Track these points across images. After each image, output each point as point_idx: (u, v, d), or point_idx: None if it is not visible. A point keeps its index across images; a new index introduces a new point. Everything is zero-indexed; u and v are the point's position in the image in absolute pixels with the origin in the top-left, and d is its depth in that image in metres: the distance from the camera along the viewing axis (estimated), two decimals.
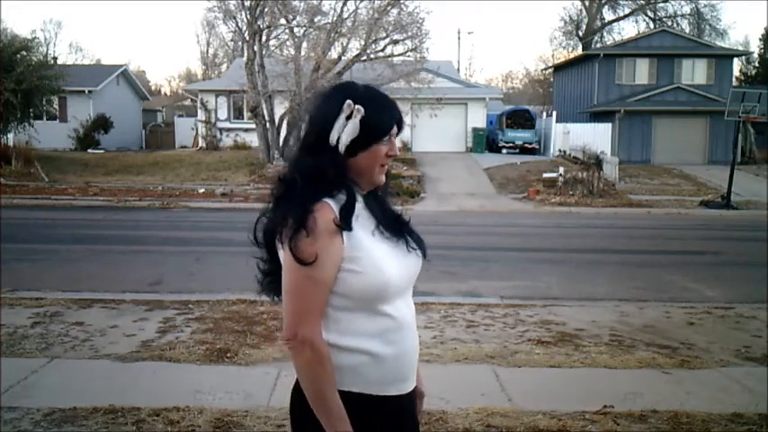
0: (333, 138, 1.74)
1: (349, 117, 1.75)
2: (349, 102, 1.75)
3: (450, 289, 7.89)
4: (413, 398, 1.89)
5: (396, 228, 1.84)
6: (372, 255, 1.74)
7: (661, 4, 46.24)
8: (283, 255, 1.72)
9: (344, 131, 1.75)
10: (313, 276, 1.68)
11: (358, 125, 1.75)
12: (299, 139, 1.85)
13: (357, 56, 24.73)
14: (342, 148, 1.75)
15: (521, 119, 30.99)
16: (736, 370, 5.03)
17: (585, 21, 47.65)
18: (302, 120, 26.78)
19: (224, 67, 52.14)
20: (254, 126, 25.79)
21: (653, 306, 7.17)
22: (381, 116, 1.81)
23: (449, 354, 5.21)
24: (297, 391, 1.83)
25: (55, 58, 35.01)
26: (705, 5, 44.55)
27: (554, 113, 30.55)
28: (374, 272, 1.73)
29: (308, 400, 1.75)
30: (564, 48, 49.22)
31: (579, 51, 41.99)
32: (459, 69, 44.85)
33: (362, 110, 1.75)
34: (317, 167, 1.74)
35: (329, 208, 1.70)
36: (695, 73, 30.99)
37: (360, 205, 1.77)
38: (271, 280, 1.90)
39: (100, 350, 5.21)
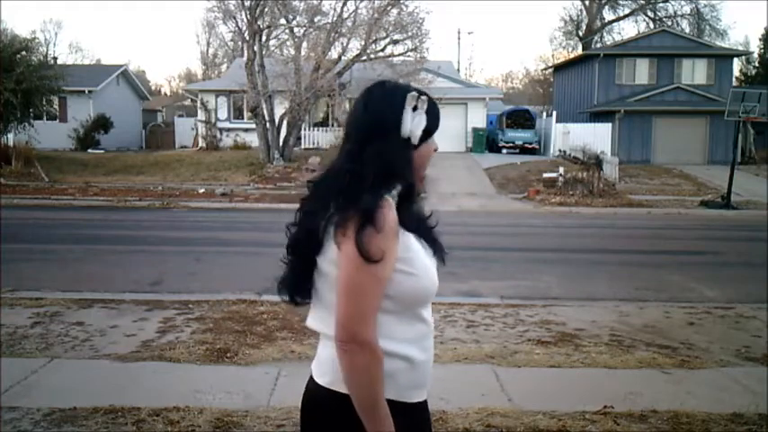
0: (405, 129, 1.68)
1: (415, 109, 1.70)
2: (413, 93, 1.70)
3: (450, 289, 7.87)
4: (427, 404, 1.84)
5: (425, 230, 1.80)
6: (420, 257, 1.69)
7: (661, 4, 46.26)
8: (340, 252, 1.61)
9: (414, 123, 1.70)
10: (377, 275, 1.60)
11: (425, 116, 1.71)
12: (351, 132, 1.73)
13: (357, 56, 24.74)
14: (415, 140, 1.70)
15: (521, 119, 31.00)
16: (736, 370, 5.03)
17: (585, 21, 47.66)
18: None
19: (224, 67, 52.18)
20: (254, 126, 25.80)
21: (653, 306, 7.17)
22: (434, 109, 1.76)
23: (449, 354, 5.21)
24: (329, 397, 1.71)
25: (55, 58, 35.05)
26: (705, 5, 44.60)
27: (554, 113, 30.54)
28: (425, 274, 1.69)
29: (354, 404, 1.64)
30: (564, 48, 49.31)
31: (579, 51, 42.00)
32: (459, 69, 44.89)
33: (426, 101, 1.71)
34: (390, 160, 1.65)
35: (392, 204, 1.65)
36: (695, 73, 30.98)
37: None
38: (303, 279, 1.77)
39: (100, 350, 5.21)
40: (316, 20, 24.55)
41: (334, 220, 1.63)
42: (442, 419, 3.94)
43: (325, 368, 1.72)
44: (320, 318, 1.75)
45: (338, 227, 1.61)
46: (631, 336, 5.94)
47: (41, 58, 26.85)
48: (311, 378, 1.78)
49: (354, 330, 1.60)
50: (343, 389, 1.67)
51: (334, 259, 1.65)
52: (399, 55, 25.52)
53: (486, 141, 30.58)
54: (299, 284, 1.78)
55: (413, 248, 1.68)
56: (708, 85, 30.57)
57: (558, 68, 38.37)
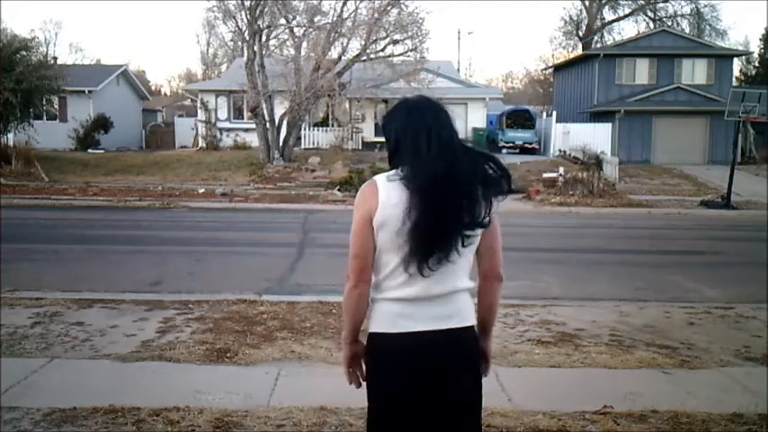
0: None
1: None
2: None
3: None
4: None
5: None
6: None
7: (661, 4, 46.28)
8: (496, 220, 2.20)
9: None
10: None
11: None
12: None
13: (357, 56, 24.74)
14: None
15: (521, 119, 31.00)
16: (736, 370, 5.03)
17: (585, 21, 47.66)
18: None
19: (224, 67, 52.18)
20: (254, 126, 25.80)
21: (653, 306, 7.17)
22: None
23: None
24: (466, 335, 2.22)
25: (55, 58, 34.97)
26: (705, 5, 44.62)
27: (554, 113, 30.54)
28: None
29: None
30: (564, 48, 49.28)
31: (579, 51, 41.99)
32: (459, 69, 44.85)
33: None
34: None
35: None
36: (695, 73, 30.98)
37: None
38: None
39: (100, 350, 5.21)
40: (316, 20, 24.55)
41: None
42: None
43: None
44: None
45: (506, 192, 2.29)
46: (631, 336, 5.94)
47: (41, 57, 26.82)
48: None
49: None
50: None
51: None
52: (399, 55, 25.52)
53: (486, 141, 30.58)
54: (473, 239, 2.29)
55: None
56: (708, 85, 30.57)
57: (558, 68, 38.37)
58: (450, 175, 2.07)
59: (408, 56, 25.60)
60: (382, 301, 2.18)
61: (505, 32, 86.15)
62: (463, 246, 2.12)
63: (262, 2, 23.84)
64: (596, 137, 27.59)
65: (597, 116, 31.00)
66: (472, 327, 2.22)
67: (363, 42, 24.48)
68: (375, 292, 2.20)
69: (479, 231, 2.15)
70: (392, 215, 2.08)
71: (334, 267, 5.60)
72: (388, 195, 2.10)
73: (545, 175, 21.89)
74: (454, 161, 2.10)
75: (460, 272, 2.17)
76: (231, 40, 37.25)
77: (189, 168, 24.72)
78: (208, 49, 59.31)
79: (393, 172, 2.15)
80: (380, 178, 2.16)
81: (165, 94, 60.80)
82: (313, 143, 29.70)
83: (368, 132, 30.67)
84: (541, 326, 6.20)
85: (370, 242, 2.13)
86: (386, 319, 2.16)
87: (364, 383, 2.29)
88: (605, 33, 47.82)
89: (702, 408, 4.19)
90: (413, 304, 2.14)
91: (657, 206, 19.29)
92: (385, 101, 28.91)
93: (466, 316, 2.20)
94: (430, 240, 2.07)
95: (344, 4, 24.29)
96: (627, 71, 31.26)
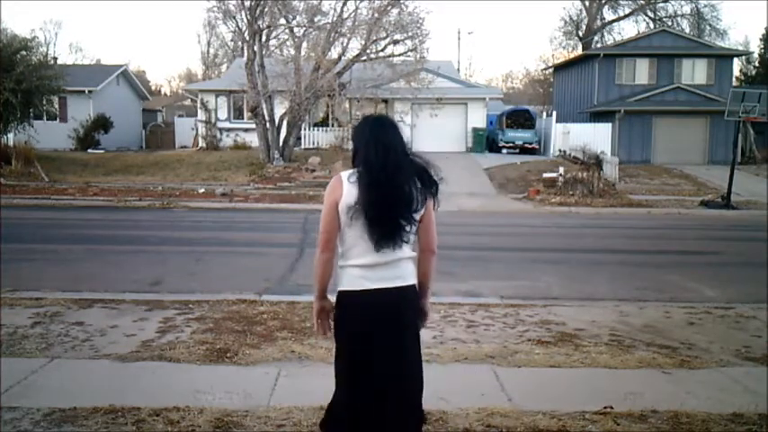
0: None
1: None
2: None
3: (450, 289, 7.88)
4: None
5: None
6: None
7: (661, 4, 46.29)
8: (431, 207, 2.99)
9: None
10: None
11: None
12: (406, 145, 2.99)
13: (357, 56, 24.74)
14: None
15: (521, 119, 30.97)
16: (736, 370, 5.03)
17: (585, 21, 47.67)
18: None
19: (224, 67, 52.21)
20: (254, 126, 25.80)
21: (653, 306, 7.17)
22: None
23: (449, 354, 5.21)
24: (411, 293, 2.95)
25: (55, 58, 34.98)
26: (705, 5, 44.63)
27: (554, 113, 30.53)
28: None
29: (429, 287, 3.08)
30: (564, 48, 49.29)
31: (579, 51, 42.00)
32: (459, 69, 44.84)
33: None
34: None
35: None
36: (695, 73, 30.99)
37: None
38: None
39: (100, 350, 5.21)
40: (316, 20, 24.54)
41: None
42: (442, 419, 3.94)
43: None
44: None
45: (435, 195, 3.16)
46: (631, 336, 5.94)
47: (41, 57, 26.79)
48: None
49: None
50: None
51: None
52: (399, 55, 25.52)
53: (486, 141, 30.57)
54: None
55: None
56: (708, 85, 30.58)
57: (558, 68, 38.37)
58: (388, 177, 2.81)
59: (408, 56, 25.61)
60: (347, 267, 2.90)
61: (505, 32, 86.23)
62: (407, 227, 2.86)
63: (262, 2, 23.84)
64: (596, 137, 27.59)
65: (597, 116, 31.00)
66: (413, 285, 2.96)
67: (363, 42, 24.48)
68: (342, 261, 2.93)
69: (417, 215, 2.88)
70: (350, 203, 2.82)
71: None
72: (348, 188, 2.84)
73: (545, 175, 21.90)
74: (395, 166, 2.83)
75: (406, 246, 2.91)
76: (231, 41, 37.37)
77: (189, 168, 24.72)
78: (208, 49, 59.42)
79: (353, 170, 2.89)
80: (344, 175, 2.89)
81: (165, 94, 60.82)
82: (313, 143, 29.70)
83: None
84: (541, 326, 6.20)
85: (335, 222, 2.87)
86: (350, 279, 2.89)
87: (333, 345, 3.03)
88: (605, 33, 47.85)
89: (702, 408, 4.19)
90: (369, 269, 2.87)
91: (657, 206, 19.30)
92: (385, 101, 28.93)
93: (407, 278, 2.93)
94: (377, 222, 2.80)
95: (344, 4, 24.31)
96: (627, 71, 31.27)
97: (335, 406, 3.04)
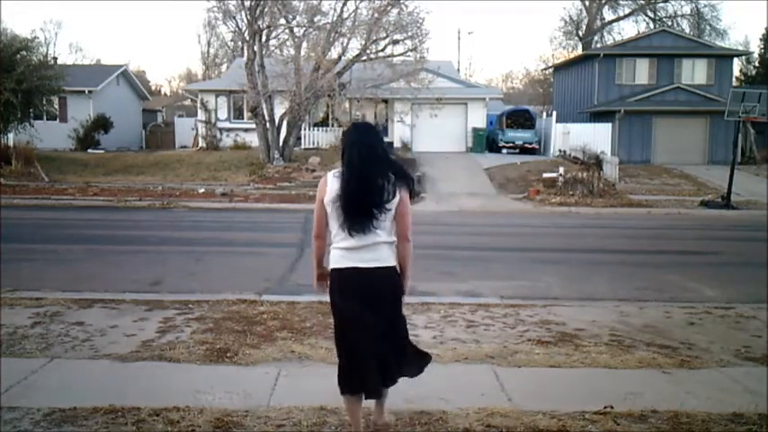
0: None
1: None
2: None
3: (450, 289, 7.89)
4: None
5: None
6: None
7: (661, 4, 46.32)
8: (406, 199, 3.45)
9: None
10: None
11: None
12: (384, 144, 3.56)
13: (357, 56, 24.73)
14: None
15: (521, 119, 30.96)
16: (736, 370, 5.03)
17: (585, 21, 47.70)
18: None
19: (224, 67, 52.19)
20: (254, 126, 25.80)
21: (653, 306, 7.17)
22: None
23: (449, 354, 5.21)
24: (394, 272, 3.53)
25: (55, 58, 34.95)
26: (705, 5, 44.66)
27: (554, 113, 30.52)
28: None
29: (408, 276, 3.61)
30: (564, 48, 49.32)
31: (579, 51, 42.02)
32: (459, 69, 44.85)
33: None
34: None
35: None
36: (695, 73, 30.99)
37: None
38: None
39: (100, 350, 5.21)
40: (316, 20, 24.53)
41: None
42: (442, 419, 3.94)
43: None
44: None
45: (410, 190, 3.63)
46: (631, 336, 5.94)
47: (41, 57, 26.78)
48: None
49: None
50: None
51: None
52: (399, 55, 25.51)
53: (486, 141, 30.56)
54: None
55: None
56: (708, 85, 30.58)
57: (558, 68, 38.37)
58: (363, 172, 3.36)
59: (408, 56, 25.59)
60: (334, 249, 3.51)
61: (505, 32, 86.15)
62: (379, 215, 3.37)
63: (262, 2, 23.83)
64: (596, 137, 27.59)
65: (597, 116, 31.00)
66: (392, 267, 3.49)
67: (363, 42, 24.47)
68: (332, 244, 3.53)
69: (389, 205, 3.38)
70: (333, 197, 3.40)
71: None
72: (332, 185, 3.44)
73: (545, 175, 21.89)
74: (370, 163, 3.38)
75: (380, 231, 3.42)
76: (231, 41, 37.36)
77: (189, 168, 24.72)
78: (208, 50, 59.38)
79: (339, 169, 3.47)
80: (330, 173, 3.50)
81: (165, 94, 60.80)
82: (313, 143, 29.70)
83: None
84: (541, 326, 6.20)
85: (323, 214, 3.52)
86: (335, 259, 3.51)
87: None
88: (605, 33, 47.88)
89: (702, 408, 4.19)
90: (349, 251, 3.45)
91: (657, 206, 19.30)
92: (385, 101, 28.94)
93: (385, 260, 3.47)
94: (352, 212, 3.36)
95: (344, 4, 24.30)
96: (627, 71, 31.27)
97: (340, 363, 3.57)
